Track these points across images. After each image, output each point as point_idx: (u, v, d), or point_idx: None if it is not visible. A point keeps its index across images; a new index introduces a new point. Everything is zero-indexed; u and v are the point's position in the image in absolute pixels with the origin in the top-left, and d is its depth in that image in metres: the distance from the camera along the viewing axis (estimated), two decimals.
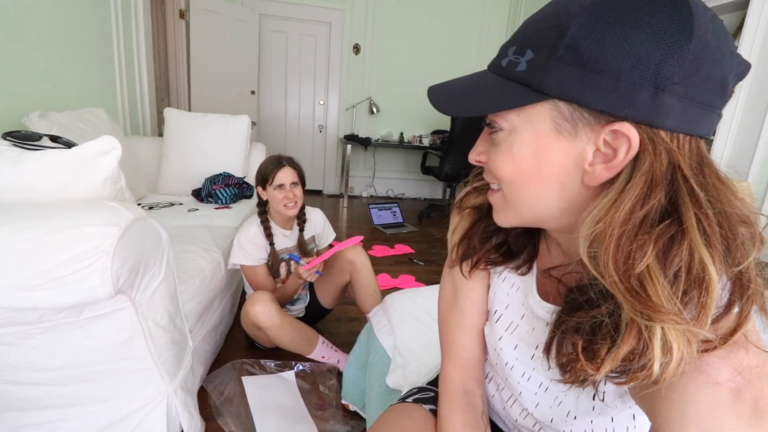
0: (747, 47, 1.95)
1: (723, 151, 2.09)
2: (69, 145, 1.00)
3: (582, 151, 0.34)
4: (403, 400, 0.64)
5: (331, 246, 1.63)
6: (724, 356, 0.31)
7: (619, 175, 0.33)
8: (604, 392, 0.41)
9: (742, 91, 2.00)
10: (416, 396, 0.64)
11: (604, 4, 0.31)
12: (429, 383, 0.69)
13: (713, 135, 2.11)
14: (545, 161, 0.36)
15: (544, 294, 0.48)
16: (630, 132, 0.31)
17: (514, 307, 0.51)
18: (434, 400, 0.63)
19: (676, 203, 0.31)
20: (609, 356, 0.32)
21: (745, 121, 2.02)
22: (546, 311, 0.46)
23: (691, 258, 0.30)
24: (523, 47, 0.35)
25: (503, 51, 0.37)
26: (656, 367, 0.30)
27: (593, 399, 0.42)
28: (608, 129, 0.32)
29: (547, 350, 0.40)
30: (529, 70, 0.34)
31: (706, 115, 0.32)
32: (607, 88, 0.31)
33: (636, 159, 0.32)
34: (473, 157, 0.42)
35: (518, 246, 0.50)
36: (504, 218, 0.42)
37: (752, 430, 0.29)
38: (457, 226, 0.53)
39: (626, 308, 0.31)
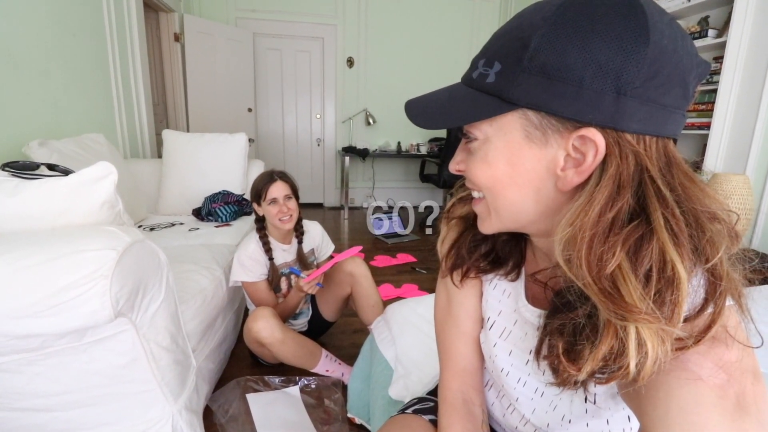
0: (735, 42, 1.97)
1: (719, 146, 2.09)
2: (66, 172, 1.02)
3: (553, 157, 0.35)
4: (402, 411, 0.64)
5: (331, 257, 1.64)
6: (705, 352, 0.32)
7: (589, 178, 0.34)
8: (595, 394, 0.41)
9: (734, 86, 2.01)
10: (416, 407, 0.64)
11: (564, 16, 0.32)
12: (429, 393, 0.69)
13: (684, 133, 2.12)
14: (519, 168, 0.37)
15: (533, 299, 0.48)
16: (596, 137, 0.32)
17: (506, 313, 0.52)
18: (434, 411, 0.62)
19: (644, 204, 0.32)
20: (590, 357, 0.32)
21: (739, 116, 2.03)
22: (535, 315, 0.46)
23: (661, 257, 0.30)
24: (491, 59, 0.36)
25: (474, 63, 0.38)
26: (632, 366, 0.30)
27: (585, 402, 0.42)
28: (576, 135, 0.33)
29: (536, 354, 0.40)
30: (498, 81, 0.35)
31: (671, 116, 0.33)
32: (571, 95, 0.32)
33: (604, 162, 0.33)
34: (453, 167, 0.44)
35: (505, 253, 0.50)
36: (488, 225, 0.43)
37: (736, 426, 0.29)
38: (446, 236, 0.54)
39: (601, 309, 0.31)
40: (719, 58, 2.07)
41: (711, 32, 2.11)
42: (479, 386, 0.57)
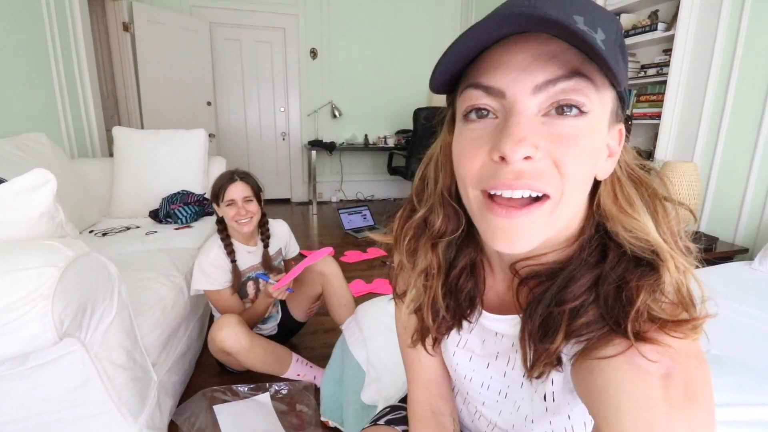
0: (683, 34, 2.06)
1: (669, 135, 2.19)
2: None
3: (605, 146, 0.36)
4: (375, 421, 0.63)
5: (303, 256, 1.59)
6: (655, 340, 0.32)
7: None
8: (553, 392, 0.41)
9: (682, 77, 2.11)
10: (389, 417, 0.63)
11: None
12: (401, 400, 0.68)
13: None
14: (599, 158, 0.35)
15: (488, 306, 0.47)
16: (622, 128, 0.37)
17: (464, 326, 0.51)
18: (407, 420, 0.62)
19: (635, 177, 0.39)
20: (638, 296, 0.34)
21: (687, 106, 2.14)
22: (494, 321, 0.46)
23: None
24: (593, 22, 0.30)
25: (566, 14, 0.28)
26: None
27: (544, 400, 0.42)
28: (618, 127, 0.36)
29: (530, 340, 0.39)
30: (608, 50, 0.30)
31: None
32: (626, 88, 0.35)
33: None
34: (526, 151, 0.31)
35: (465, 296, 0.47)
36: (535, 238, 0.35)
37: (684, 415, 0.29)
38: (410, 303, 0.49)
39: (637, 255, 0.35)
40: (668, 51, 2.17)
41: (660, 26, 2.20)
42: (447, 395, 0.57)
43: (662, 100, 2.18)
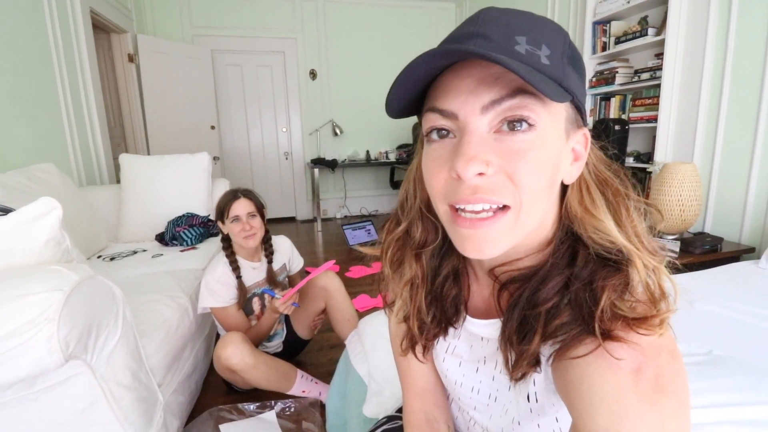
0: (673, 38, 2.08)
1: (667, 137, 2.20)
2: (6, 211, 0.96)
3: (568, 152, 0.38)
4: None
5: (306, 272, 1.61)
6: (622, 338, 0.33)
7: None
8: (536, 393, 0.41)
9: (675, 79, 2.13)
10: (385, 426, 0.64)
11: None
12: (398, 410, 0.69)
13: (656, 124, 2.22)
14: (559, 165, 0.36)
15: (473, 311, 0.48)
16: (586, 132, 0.39)
17: (449, 332, 0.52)
18: (403, 429, 0.62)
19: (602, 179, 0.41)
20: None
21: (683, 107, 2.15)
22: (479, 326, 0.47)
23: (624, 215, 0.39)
24: (537, 41, 0.33)
25: (507, 37, 0.33)
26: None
27: (528, 401, 0.42)
28: (581, 132, 0.38)
29: (509, 343, 0.40)
30: (552, 65, 0.33)
31: None
32: (583, 94, 0.37)
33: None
34: (475, 167, 0.33)
35: (450, 302, 0.48)
36: (501, 245, 0.36)
37: (655, 408, 0.30)
38: (398, 311, 0.51)
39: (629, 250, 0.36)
40: (660, 55, 2.19)
41: (651, 31, 2.23)
42: (442, 402, 0.57)
43: (658, 104, 2.20)
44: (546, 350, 0.38)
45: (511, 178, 0.34)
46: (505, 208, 0.35)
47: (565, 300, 0.37)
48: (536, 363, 0.39)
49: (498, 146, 0.34)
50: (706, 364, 0.83)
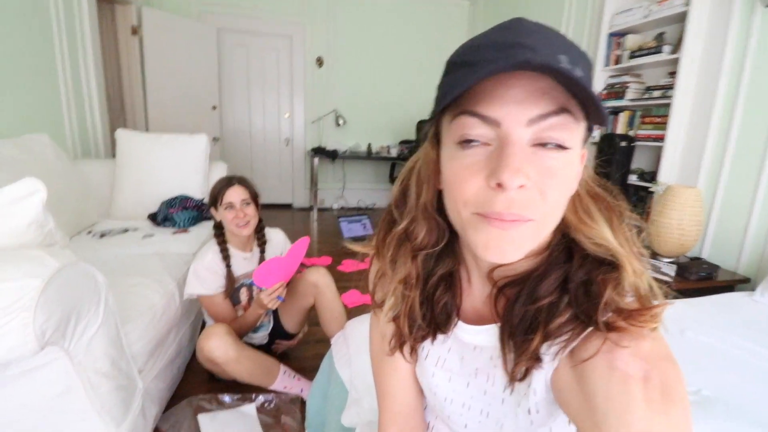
0: (688, 58, 2.05)
1: (673, 158, 2.18)
2: None
3: (581, 169, 0.40)
4: None
5: (302, 265, 1.59)
6: (624, 328, 0.34)
7: None
8: (536, 403, 0.41)
9: (687, 100, 2.10)
10: None
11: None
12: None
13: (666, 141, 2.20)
14: (576, 179, 0.39)
15: (464, 317, 0.48)
16: (585, 150, 0.40)
17: (439, 340, 0.50)
18: None
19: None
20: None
21: (692, 130, 2.12)
22: (472, 333, 0.46)
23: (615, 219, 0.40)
24: (575, 61, 0.32)
25: (553, 53, 0.32)
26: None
27: (529, 413, 0.41)
28: (583, 151, 0.39)
29: (510, 339, 0.40)
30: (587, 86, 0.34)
31: None
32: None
33: None
34: (520, 181, 0.33)
35: (441, 307, 0.47)
36: (521, 251, 0.37)
37: (663, 417, 0.30)
38: (389, 311, 0.50)
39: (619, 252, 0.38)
40: (674, 73, 2.16)
41: (666, 48, 2.20)
42: (420, 427, 0.56)
43: (666, 123, 2.17)
44: (548, 357, 0.39)
45: (542, 194, 0.34)
46: (528, 220, 0.36)
47: (565, 299, 0.38)
48: (537, 359, 0.39)
49: (536, 161, 0.34)
50: (695, 405, 0.82)
